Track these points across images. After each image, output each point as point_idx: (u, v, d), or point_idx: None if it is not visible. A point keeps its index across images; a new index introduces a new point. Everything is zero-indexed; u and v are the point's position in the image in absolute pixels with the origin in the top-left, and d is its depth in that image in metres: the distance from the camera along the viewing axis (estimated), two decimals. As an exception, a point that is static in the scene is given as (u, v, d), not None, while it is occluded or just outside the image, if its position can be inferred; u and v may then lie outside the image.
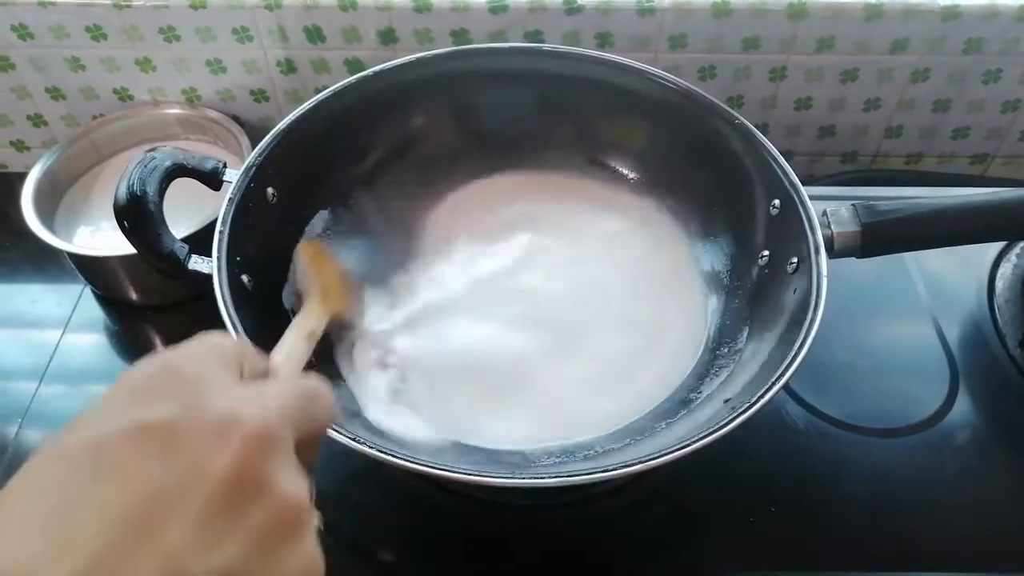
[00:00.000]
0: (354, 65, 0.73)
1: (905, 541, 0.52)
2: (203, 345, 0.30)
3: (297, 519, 0.26)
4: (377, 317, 0.56)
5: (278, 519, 0.25)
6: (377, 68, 0.61)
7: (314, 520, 0.27)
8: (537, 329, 0.56)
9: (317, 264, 0.54)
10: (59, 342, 0.65)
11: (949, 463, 0.56)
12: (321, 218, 0.60)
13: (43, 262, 0.71)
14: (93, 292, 0.69)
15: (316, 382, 0.32)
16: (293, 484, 0.26)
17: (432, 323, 0.56)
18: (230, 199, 0.51)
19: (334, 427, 0.42)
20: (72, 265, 0.67)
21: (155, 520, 0.23)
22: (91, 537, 0.22)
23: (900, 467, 0.56)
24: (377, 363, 0.54)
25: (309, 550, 0.26)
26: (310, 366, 0.42)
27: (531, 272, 0.59)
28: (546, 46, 0.65)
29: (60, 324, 0.67)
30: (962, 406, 0.59)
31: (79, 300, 0.68)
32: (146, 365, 0.28)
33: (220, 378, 0.28)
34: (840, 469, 0.56)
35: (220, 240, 0.49)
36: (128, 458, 0.24)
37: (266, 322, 0.50)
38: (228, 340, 0.31)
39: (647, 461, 0.41)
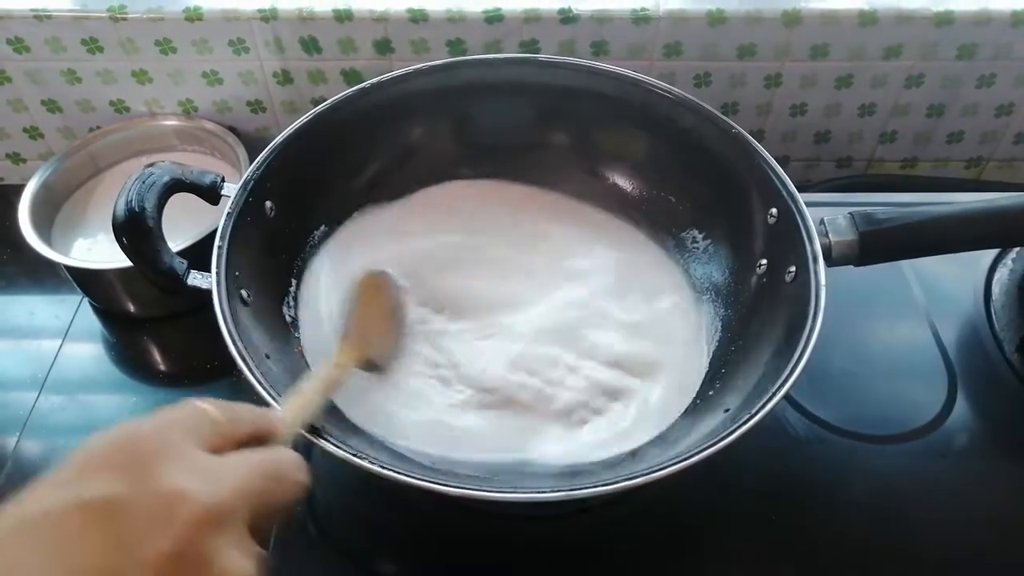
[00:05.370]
0: (350, 76, 0.73)
1: (906, 547, 0.52)
2: (175, 414, 0.30)
3: None
4: None
5: None
6: (373, 80, 0.61)
7: None
8: (536, 344, 0.55)
9: (368, 302, 0.51)
10: (57, 354, 0.65)
11: (948, 468, 0.57)
12: (320, 231, 0.60)
13: (40, 274, 0.71)
14: (91, 304, 0.69)
15: (286, 458, 0.32)
16: (237, 565, 0.26)
17: (429, 336, 0.56)
18: (228, 214, 0.51)
19: (332, 441, 0.42)
20: (69, 277, 0.67)
21: None
22: None
23: (900, 473, 0.56)
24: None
25: None
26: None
27: (529, 287, 0.59)
28: (541, 56, 0.65)
29: (58, 336, 0.66)
30: (960, 411, 0.59)
31: (77, 312, 0.68)
32: (108, 434, 0.27)
33: (181, 451, 0.28)
34: (840, 476, 0.56)
35: (219, 255, 0.49)
36: (68, 535, 0.24)
37: (266, 335, 0.50)
38: (207, 407, 0.31)
39: (649, 474, 0.41)
